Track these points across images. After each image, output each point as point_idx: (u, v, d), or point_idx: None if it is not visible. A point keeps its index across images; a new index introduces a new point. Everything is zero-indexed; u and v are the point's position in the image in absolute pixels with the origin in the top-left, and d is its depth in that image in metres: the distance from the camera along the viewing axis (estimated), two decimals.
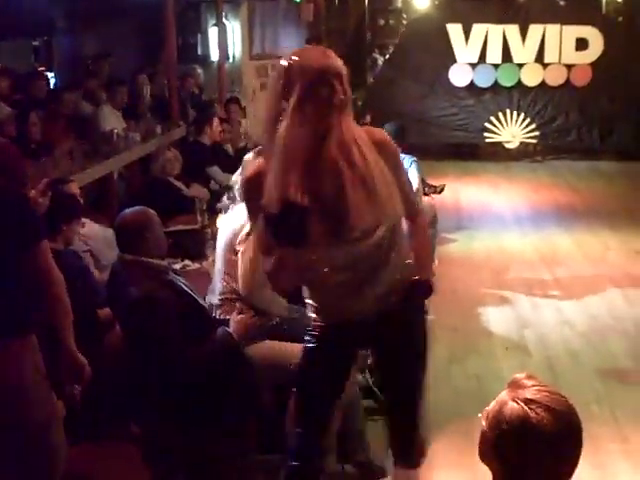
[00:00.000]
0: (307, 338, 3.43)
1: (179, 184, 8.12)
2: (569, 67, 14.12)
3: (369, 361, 4.60)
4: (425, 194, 9.37)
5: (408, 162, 7.22)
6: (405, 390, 3.50)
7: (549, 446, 2.13)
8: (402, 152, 3.87)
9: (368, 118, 9.67)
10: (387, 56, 15.23)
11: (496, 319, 7.06)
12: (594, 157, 13.91)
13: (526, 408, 2.14)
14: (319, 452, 3.49)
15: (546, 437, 2.12)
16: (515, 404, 2.16)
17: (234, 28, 14.15)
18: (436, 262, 8.35)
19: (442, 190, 9.59)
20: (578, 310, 7.26)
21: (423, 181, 9.42)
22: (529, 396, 2.16)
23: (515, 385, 2.22)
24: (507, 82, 14.05)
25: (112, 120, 8.99)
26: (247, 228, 4.11)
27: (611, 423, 5.24)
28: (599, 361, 6.18)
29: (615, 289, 7.76)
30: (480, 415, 2.26)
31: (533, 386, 2.20)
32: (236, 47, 14.22)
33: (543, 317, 7.13)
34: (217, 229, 5.15)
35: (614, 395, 5.64)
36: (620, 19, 15.60)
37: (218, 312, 4.53)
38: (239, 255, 4.34)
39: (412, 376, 3.50)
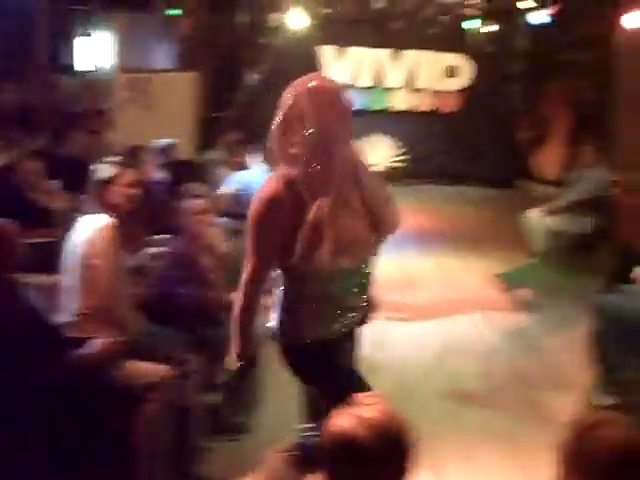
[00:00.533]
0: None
1: (40, 195, 7.93)
2: (438, 93, 14.47)
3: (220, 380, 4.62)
4: None
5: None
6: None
7: (369, 463, 2.19)
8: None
9: (237, 136, 9.63)
10: (261, 74, 15.27)
11: None
12: (460, 182, 14.26)
13: (354, 425, 2.20)
14: None
15: (367, 454, 2.18)
16: (346, 421, 2.22)
17: (105, 40, 13.93)
18: None
19: None
20: (432, 331, 7.44)
21: None
22: (362, 414, 2.22)
23: (354, 403, 2.29)
24: (377, 106, 14.29)
25: None
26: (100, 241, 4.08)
27: (457, 442, 5.36)
28: (448, 382, 6.32)
29: (471, 312, 7.96)
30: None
31: (369, 405, 2.27)
32: (106, 59, 14.00)
33: (397, 338, 7.26)
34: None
35: (461, 415, 5.78)
36: (489, 49, 16.09)
37: (72, 331, 4.36)
38: (95, 269, 4.27)
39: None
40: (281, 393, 5.79)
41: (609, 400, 5.88)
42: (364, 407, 2.25)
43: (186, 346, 4.80)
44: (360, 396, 2.32)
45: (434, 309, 8.06)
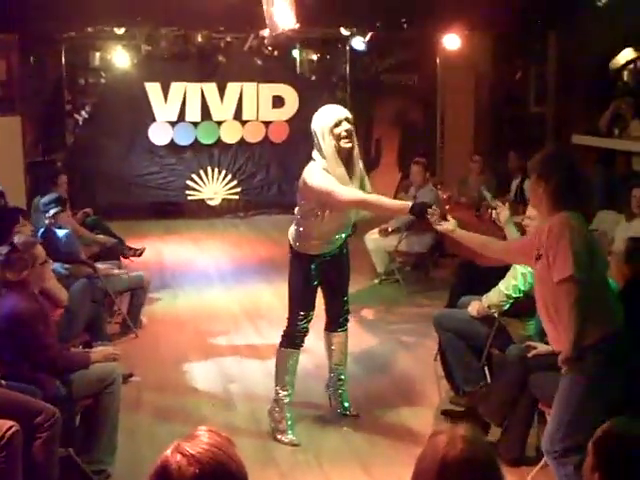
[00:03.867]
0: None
1: None
2: (267, 124, 14.57)
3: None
4: (124, 257, 9.29)
5: None
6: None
7: None
8: None
9: (64, 178, 9.41)
10: (86, 115, 14.98)
11: (201, 375, 7.06)
12: (294, 211, 14.32)
13: (174, 456, 2.17)
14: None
15: None
16: (169, 452, 2.19)
17: None
18: (145, 320, 8.29)
19: (142, 253, 9.55)
20: None
21: (122, 243, 9.35)
22: (187, 447, 2.19)
23: (189, 436, 2.25)
24: (207, 140, 14.25)
25: None
26: None
27: (316, 468, 5.39)
28: (302, 410, 6.30)
29: (316, 338, 7.92)
30: None
31: (201, 438, 2.23)
32: None
33: (247, 370, 7.22)
34: None
35: (317, 441, 5.80)
36: (313, 77, 16.34)
37: None
38: None
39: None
40: (137, 437, 5.69)
41: (459, 409, 6.05)
42: (194, 440, 2.22)
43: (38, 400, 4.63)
44: (198, 430, 2.28)
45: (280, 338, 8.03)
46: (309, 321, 5.99)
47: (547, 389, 5.10)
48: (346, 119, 5.56)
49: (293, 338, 6.01)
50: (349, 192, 5.48)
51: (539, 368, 5.18)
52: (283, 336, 6.07)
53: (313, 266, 5.89)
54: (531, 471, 5.06)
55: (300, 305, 6.00)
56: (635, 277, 4.91)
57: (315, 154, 5.64)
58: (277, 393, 5.95)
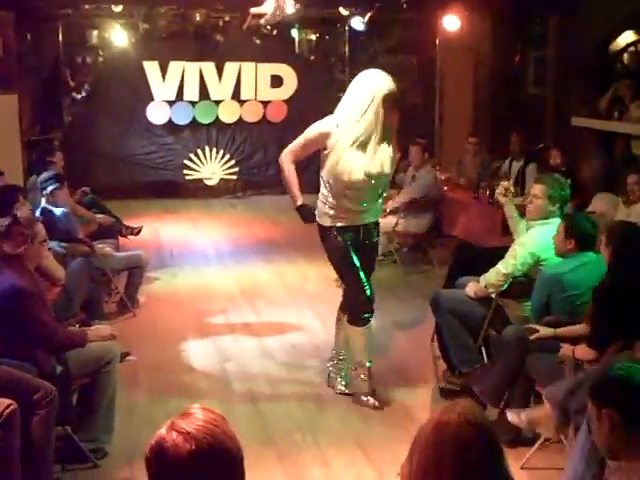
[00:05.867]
0: None
1: None
2: (265, 104, 14.51)
3: None
4: (122, 235, 9.27)
5: None
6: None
7: (180, 473, 2.16)
8: None
9: (60, 155, 9.37)
10: (84, 94, 14.95)
11: (198, 354, 7.07)
12: None
13: (170, 434, 2.18)
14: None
15: (178, 464, 2.15)
16: (164, 430, 2.20)
17: None
18: (142, 299, 8.29)
19: (139, 231, 9.53)
20: (278, 340, 7.44)
21: (119, 221, 9.32)
22: (182, 424, 2.20)
23: (183, 414, 2.25)
24: (205, 119, 14.20)
25: None
26: None
27: (313, 448, 5.39)
28: (299, 388, 6.35)
29: (314, 318, 8.01)
30: None
31: (196, 415, 2.23)
32: None
33: (244, 349, 7.22)
34: None
35: (314, 421, 5.82)
36: (312, 57, 16.29)
37: None
38: None
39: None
40: (134, 416, 5.69)
41: (455, 388, 6.07)
42: (189, 418, 2.23)
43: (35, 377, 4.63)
44: (190, 407, 2.28)
45: (279, 317, 8.07)
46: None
47: (544, 370, 5.12)
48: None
49: (358, 313, 6.00)
50: (293, 153, 5.84)
51: (536, 349, 5.19)
52: (349, 314, 6.08)
53: (340, 238, 5.91)
54: (528, 452, 5.06)
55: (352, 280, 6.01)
56: (614, 258, 4.92)
57: (340, 110, 5.76)
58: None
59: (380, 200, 6.08)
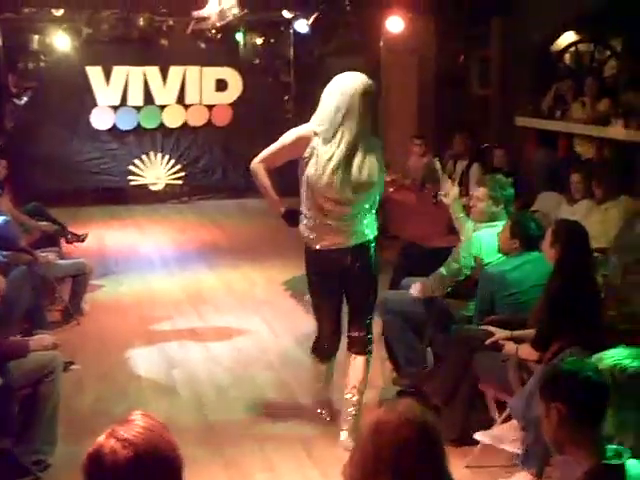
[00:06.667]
0: None
1: None
2: (210, 107, 14.46)
3: None
4: (67, 242, 9.16)
5: None
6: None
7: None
8: None
9: (3, 163, 9.22)
10: (27, 99, 14.73)
11: (144, 362, 6.99)
12: (239, 195, 14.30)
13: (108, 441, 2.17)
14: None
15: (116, 471, 2.15)
16: (103, 437, 2.20)
17: None
18: (87, 307, 8.19)
19: (85, 239, 9.43)
20: (225, 346, 7.39)
21: (64, 229, 9.21)
22: (121, 431, 2.19)
23: (123, 421, 2.25)
24: (150, 124, 14.09)
25: None
26: None
27: (259, 453, 5.37)
28: (246, 394, 6.31)
29: (261, 323, 7.98)
30: None
31: (136, 422, 2.23)
32: None
33: (190, 355, 7.17)
34: None
35: (260, 426, 5.78)
36: (257, 61, 16.24)
37: None
38: None
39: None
40: (78, 427, 5.61)
41: (402, 391, 6.07)
42: (129, 425, 2.22)
43: None
44: (132, 414, 2.28)
45: (225, 323, 8.03)
46: (333, 337, 5.57)
47: (488, 369, 5.15)
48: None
49: (315, 347, 5.71)
50: (265, 160, 5.27)
51: (481, 348, 5.21)
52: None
53: (313, 267, 5.41)
54: (472, 451, 5.08)
55: (315, 312, 5.64)
56: (561, 258, 4.94)
57: (317, 117, 5.16)
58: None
59: (368, 216, 5.30)
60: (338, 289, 5.42)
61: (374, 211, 5.34)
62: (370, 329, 5.46)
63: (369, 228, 5.30)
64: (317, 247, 5.28)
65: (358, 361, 5.41)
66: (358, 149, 5.06)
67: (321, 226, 5.22)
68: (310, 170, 5.13)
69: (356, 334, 5.41)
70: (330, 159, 5.05)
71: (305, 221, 5.28)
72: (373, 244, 5.33)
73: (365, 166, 5.08)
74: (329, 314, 5.48)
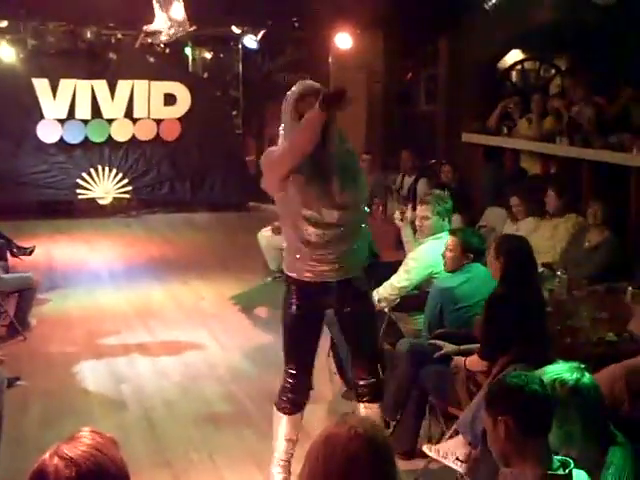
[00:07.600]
0: None
1: None
2: (158, 122, 14.41)
3: None
4: (14, 256, 9.06)
5: None
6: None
7: None
8: None
9: None
10: None
11: (92, 377, 6.93)
12: (187, 209, 14.29)
13: (52, 459, 2.15)
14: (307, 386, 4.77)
15: None
16: (47, 455, 2.18)
17: None
18: (34, 322, 8.09)
19: (32, 252, 9.33)
20: (173, 360, 7.36)
21: (10, 242, 9.12)
22: (66, 449, 2.17)
23: (70, 438, 2.23)
24: (97, 138, 14.01)
25: None
26: None
27: (210, 467, 5.36)
28: (195, 408, 6.29)
29: (209, 337, 7.96)
30: None
31: (82, 440, 2.21)
32: None
33: (139, 370, 7.12)
34: None
35: (210, 440, 5.76)
36: (206, 75, 16.26)
37: None
38: None
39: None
40: (23, 445, 5.53)
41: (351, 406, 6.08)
42: (75, 442, 2.21)
43: None
44: (79, 431, 2.26)
45: (173, 337, 7.99)
46: (302, 385, 4.80)
47: (436, 382, 5.19)
48: (315, 93, 4.35)
49: (280, 398, 4.86)
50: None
51: (429, 362, 5.26)
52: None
53: (294, 300, 4.65)
54: (423, 464, 5.11)
55: (286, 354, 4.81)
56: (504, 270, 5.01)
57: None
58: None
59: (359, 242, 4.69)
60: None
61: (361, 242, 4.75)
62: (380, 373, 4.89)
63: (359, 262, 4.77)
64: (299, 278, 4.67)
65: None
66: (330, 163, 4.48)
67: (304, 255, 4.58)
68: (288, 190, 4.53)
69: (364, 382, 4.81)
70: (301, 176, 4.45)
71: (285, 252, 4.77)
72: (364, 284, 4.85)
73: (342, 179, 4.49)
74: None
